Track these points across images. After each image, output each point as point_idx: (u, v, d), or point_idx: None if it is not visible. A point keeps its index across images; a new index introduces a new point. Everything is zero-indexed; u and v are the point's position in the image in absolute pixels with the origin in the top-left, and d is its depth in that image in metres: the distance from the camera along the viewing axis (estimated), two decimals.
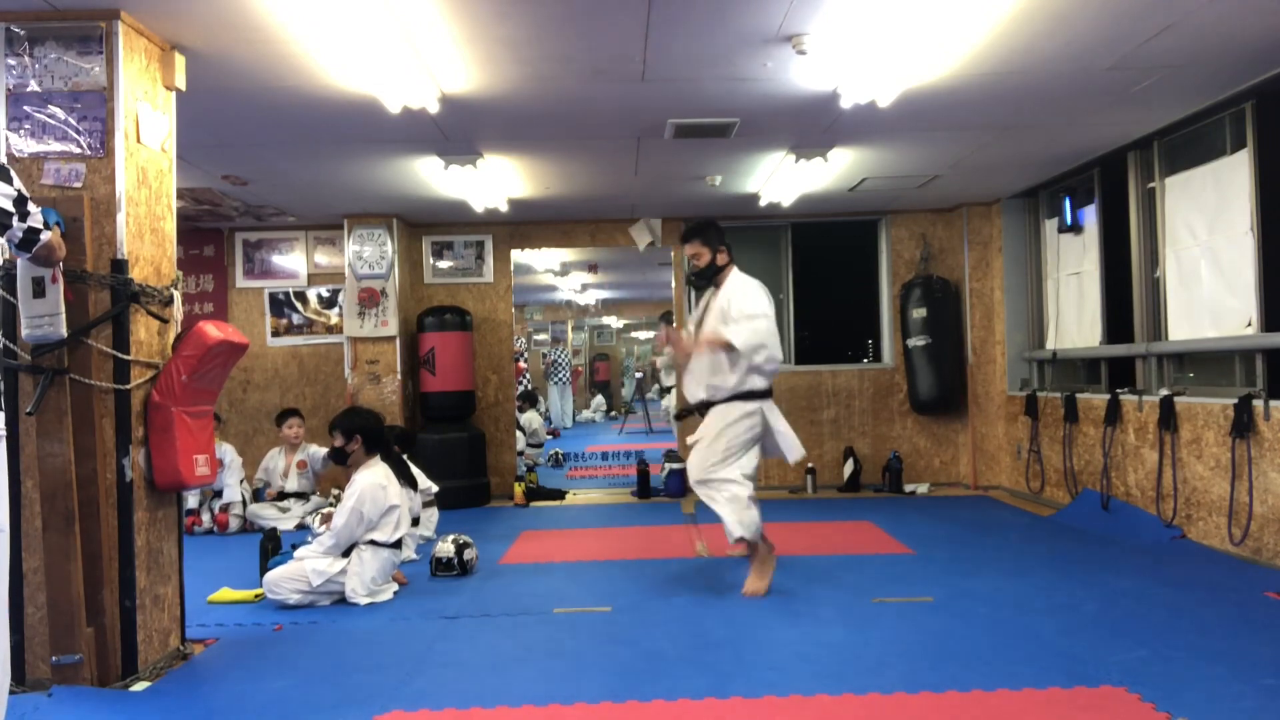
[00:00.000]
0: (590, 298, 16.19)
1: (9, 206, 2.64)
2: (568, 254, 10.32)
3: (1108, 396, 6.02)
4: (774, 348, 4.28)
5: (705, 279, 4.52)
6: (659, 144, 5.54)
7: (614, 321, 20.08)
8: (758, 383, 4.32)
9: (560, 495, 7.94)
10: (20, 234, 2.72)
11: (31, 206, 2.74)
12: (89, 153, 3.30)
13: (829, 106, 4.82)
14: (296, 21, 3.51)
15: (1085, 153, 6.12)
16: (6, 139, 3.30)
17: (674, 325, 4.43)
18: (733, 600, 4.26)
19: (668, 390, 12.99)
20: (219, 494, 6.62)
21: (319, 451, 6.81)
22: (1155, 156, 5.69)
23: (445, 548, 4.92)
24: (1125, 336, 6.12)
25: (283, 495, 6.81)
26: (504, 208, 7.14)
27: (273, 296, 8.09)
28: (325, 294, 8.09)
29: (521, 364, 13.44)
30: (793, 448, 4.42)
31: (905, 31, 3.75)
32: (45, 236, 2.81)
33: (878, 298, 8.28)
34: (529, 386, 13.36)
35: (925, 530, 5.91)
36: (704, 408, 4.41)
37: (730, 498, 4.26)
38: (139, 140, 3.42)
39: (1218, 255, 5.11)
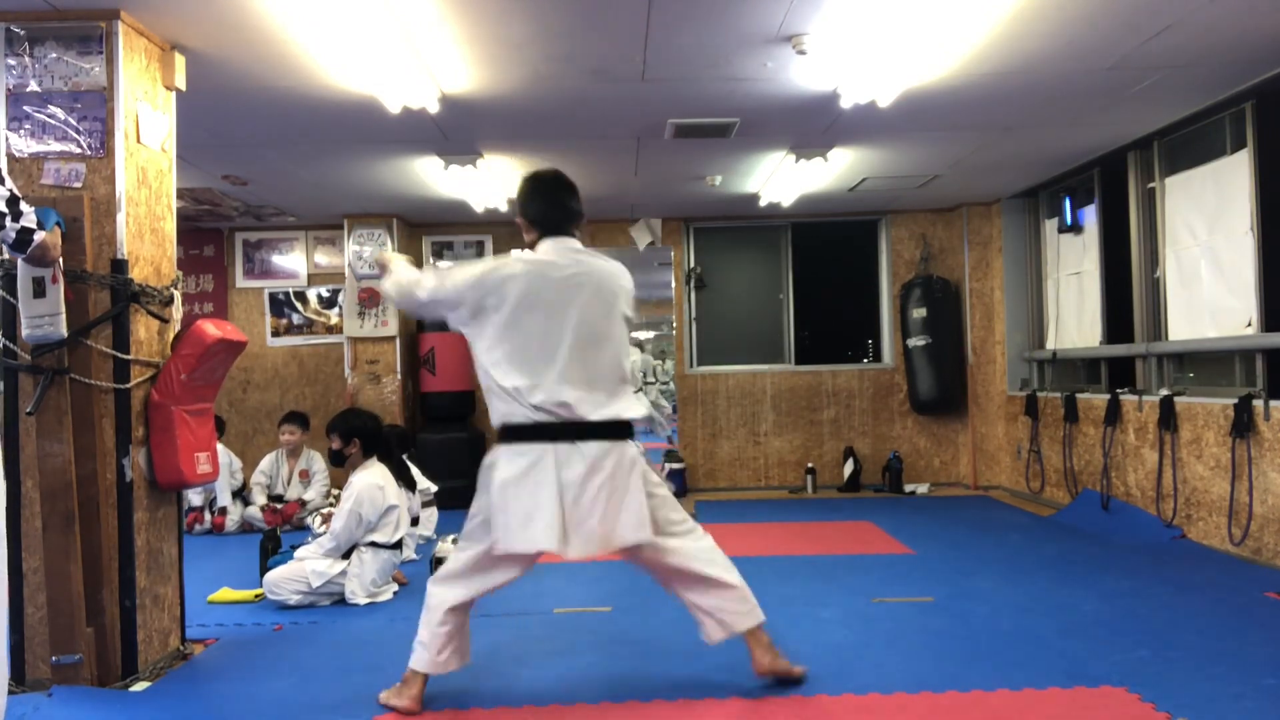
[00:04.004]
0: None
1: (1, 207, 2.64)
2: None
3: (1108, 396, 6.02)
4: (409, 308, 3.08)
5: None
6: (659, 144, 5.54)
7: None
8: (494, 415, 2.92)
9: None
10: (13, 234, 2.71)
11: (24, 206, 2.73)
12: (89, 153, 3.30)
13: (829, 106, 4.82)
14: (296, 22, 3.51)
15: (1085, 153, 6.12)
16: (6, 139, 3.30)
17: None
18: None
19: None
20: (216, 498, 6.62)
21: (321, 468, 6.78)
22: (1155, 156, 5.69)
23: (445, 548, 4.91)
24: (1125, 336, 6.12)
25: (280, 499, 6.78)
26: (504, 208, 7.13)
27: (273, 296, 8.09)
28: (325, 294, 8.09)
29: None
30: (503, 530, 2.82)
31: (905, 31, 3.75)
32: (39, 236, 2.80)
33: (878, 298, 8.28)
34: None
35: (925, 530, 5.91)
36: None
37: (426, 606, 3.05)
38: (139, 140, 3.42)
39: (1218, 255, 5.11)
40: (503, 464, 2.84)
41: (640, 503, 2.88)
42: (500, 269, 2.86)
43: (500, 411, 2.88)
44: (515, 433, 2.84)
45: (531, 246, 3.00)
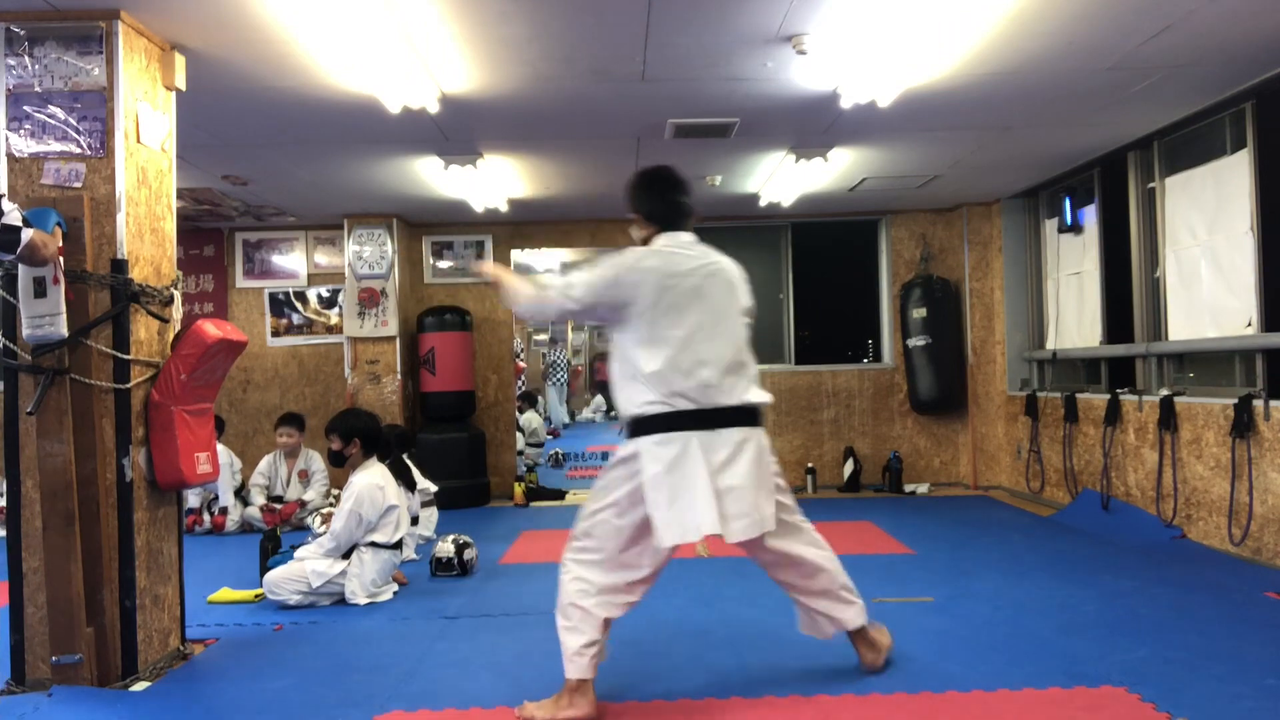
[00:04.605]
0: None
1: None
2: (568, 254, 10.31)
3: (1108, 396, 6.02)
4: (547, 319, 2.92)
5: None
6: (659, 144, 5.54)
7: None
8: (629, 405, 2.93)
9: (560, 495, 7.94)
10: None
11: (6, 205, 2.72)
12: (89, 153, 3.30)
13: (829, 106, 4.82)
14: (296, 21, 3.52)
15: (1085, 153, 6.12)
16: (6, 139, 3.29)
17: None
18: (733, 600, 4.26)
19: None
20: (218, 497, 6.62)
21: (320, 469, 6.78)
22: (1155, 156, 5.69)
23: (445, 548, 4.92)
24: (1125, 336, 6.12)
25: (279, 500, 6.78)
26: (504, 208, 7.14)
27: (273, 296, 8.09)
28: (325, 294, 8.09)
29: (521, 364, 13.42)
30: (664, 525, 2.80)
31: (905, 32, 3.75)
32: (27, 236, 2.79)
33: (878, 298, 8.27)
34: (525, 388, 13.35)
35: (925, 530, 5.91)
36: None
37: (562, 609, 2.94)
38: (139, 140, 3.42)
39: (1218, 255, 5.11)
40: (648, 457, 2.83)
41: (775, 486, 2.98)
42: (637, 266, 2.92)
43: (638, 401, 2.88)
44: (657, 423, 2.84)
45: (645, 241, 3.06)
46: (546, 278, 3.06)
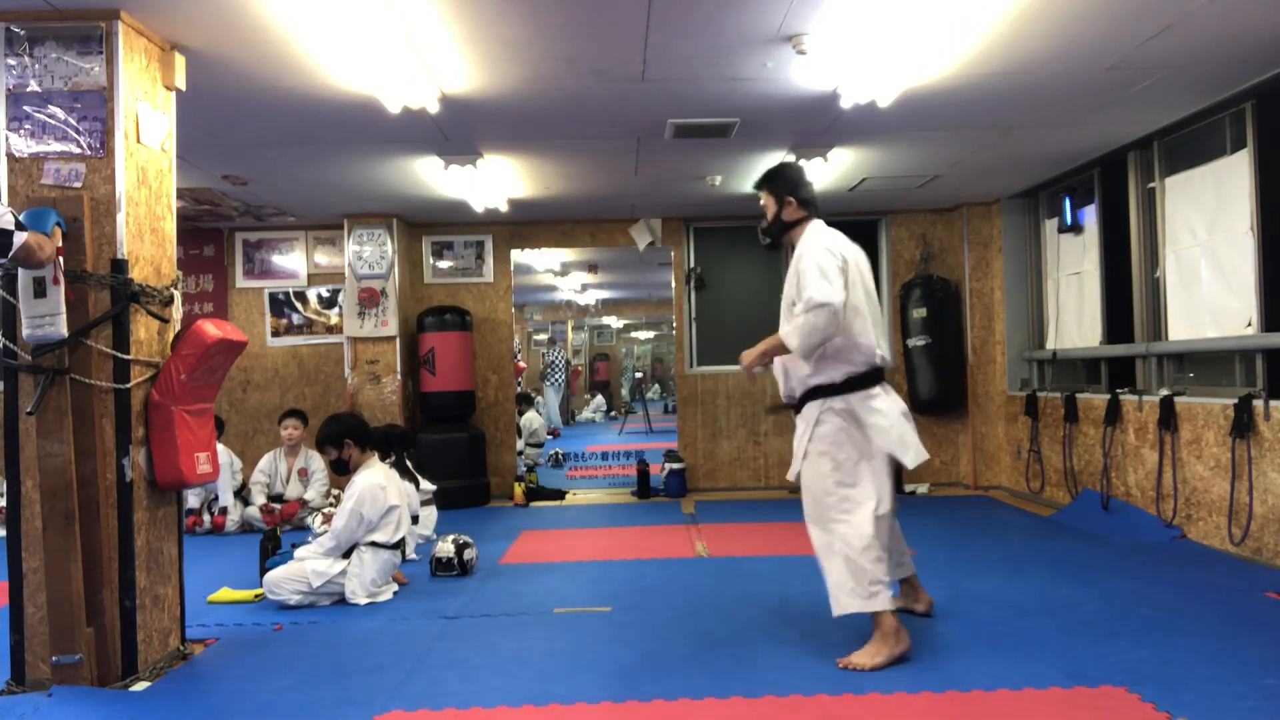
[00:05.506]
0: (590, 298, 16.19)
1: None
2: (568, 254, 10.32)
3: (1108, 396, 6.02)
4: (831, 331, 3.31)
5: (773, 238, 3.68)
6: (659, 144, 5.54)
7: (614, 321, 20.09)
8: (835, 373, 3.41)
9: (560, 495, 7.94)
10: None
11: (0, 208, 2.72)
12: (89, 153, 3.30)
13: (829, 106, 4.82)
14: (296, 21, 3.52)
15: (1085, 153, 6.12)
16: (6, 139, 3.29)
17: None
18: (733, 600, 4.26)
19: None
20: (218, 497, 6.62)
21: (320, 468, 6.78)
22: (1155, 156, 5.69)
23: (445, 548, 4.92)
24: (1125, 336, 6.12)
25: (280, 499, 6.78)
26: (504, 208, 7.14)
27: (273, 296, 8.09)
28: (325, 294, 8.09)
29: (520, 364, 13.43)
30: (905, 445, 3.46)
31: (905, 32, 3.76)
32: (20, 239, 2.79)
33: (878, 298, 8.25)
34: (522, 388, 13.37)
35: (925, 530, 5.91)
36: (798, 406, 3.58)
37: (839, 552, 3.36)
38: (139, 140, 3.42)
39: (1218, 255, 5.11)
40: (865, 406, 3.43)
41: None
42: (838, 252, 3.40)
43: (842, 370, 3.42)
44: (862, 380, 3.44)
45: (795, 224, 3.57)
46: (795, 310, 3.42)
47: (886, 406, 3.45)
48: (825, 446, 3.44)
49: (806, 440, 3.48)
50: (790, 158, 5.84)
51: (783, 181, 3.59)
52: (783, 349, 3.43)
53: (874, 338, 3.46)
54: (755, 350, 3.51)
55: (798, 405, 3.55)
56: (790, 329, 3.36)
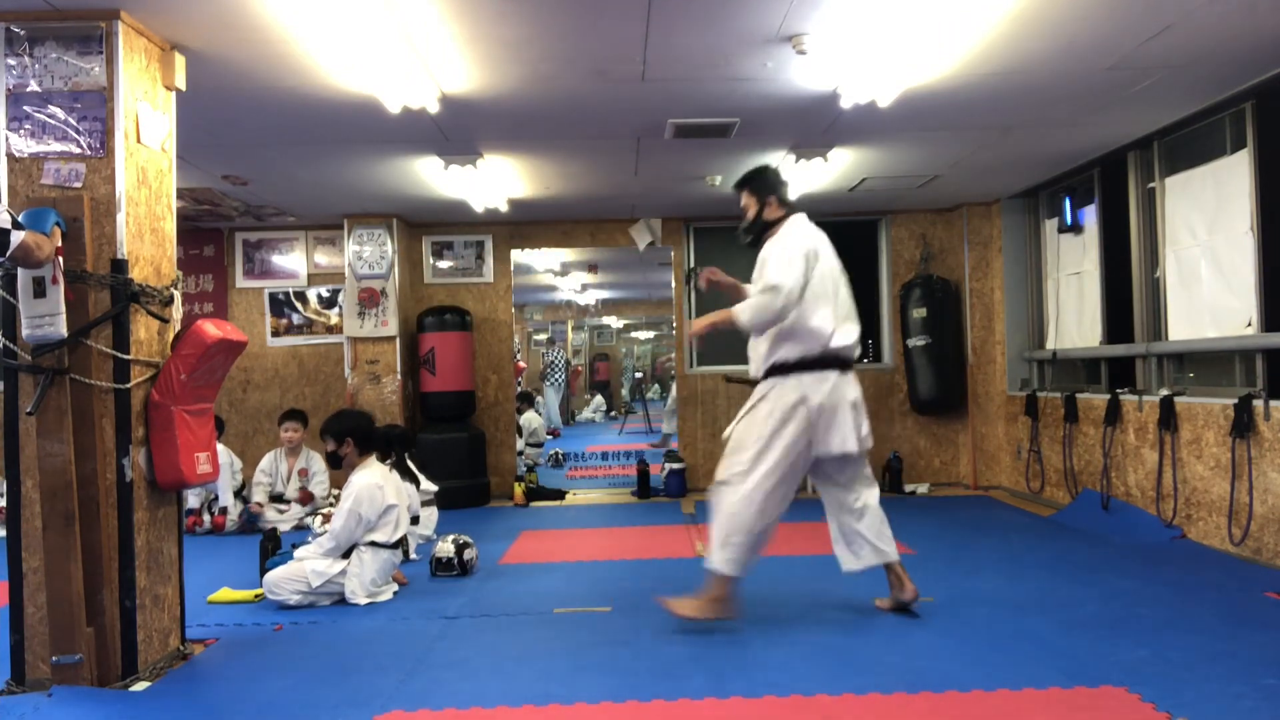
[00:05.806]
0: (590, 298, 16.18)
1: None
2: (568, 254, 10.31)
3: (1108, 396, 6.02)
4: (782, 313, 3.64)
5: (755, 236, 4.00)
6: (659, 144, 5.54)
7: (614, 321, 20.08)
8: (789, 353, 3.70)
9: (560, 495, 7.94)
10: None
11: None
12: (89, 153, 3.30)
13: (829, 106, 4.82)
14: (296, 21, 3.52)
15: (1085, 153, 6.12)
16: (6, 139, 3.29)
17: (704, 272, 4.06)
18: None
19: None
20: (218, 497, 6.63)
21: (320, 468, 6.80)
22: (1155, 156, 5.69)
23: (445, 548, 4.92)
24: (1125, 336, 6.12)
25: (281, 498, 6.79)
26: (504, 208, 7.14)
27: (273, 296, 8.09)
28: (325, 294, 8.09)
29: (520, 364, 13.42)
30: (830, 432, 3.69)
31: (905, 32, 3.76)
32: (18, 238, 2.79)
33: (878, 298, 8.27)
34: (522, 388, 13.36)
35: (925, 530, 5.91)
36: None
37: (723, 511, 3.69)
38: (139, 140, 3.42)
39: (1218, 255, 5.11)
40: (815, 389, 3.68)
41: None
42: (808, 246, 3.72)
43: (797, 350, 3.68)
44: (812, 364, 3.69)
45: (776, 222, 3.90)
46: (750, 289, 3.82)
47: (834, 392, 3.72)
48: (759, 417, 3.70)
49: (748, 408, 3.79)
50: (790, 158, 5.84)
51: (764, 182, 3.98)
52: (732, 323, 3.73)
53: (833, 326, 3.72)
54: (705, 320, 3.81)
55: (756, 382, 3.87)
56: (743, 305, 3.70)
